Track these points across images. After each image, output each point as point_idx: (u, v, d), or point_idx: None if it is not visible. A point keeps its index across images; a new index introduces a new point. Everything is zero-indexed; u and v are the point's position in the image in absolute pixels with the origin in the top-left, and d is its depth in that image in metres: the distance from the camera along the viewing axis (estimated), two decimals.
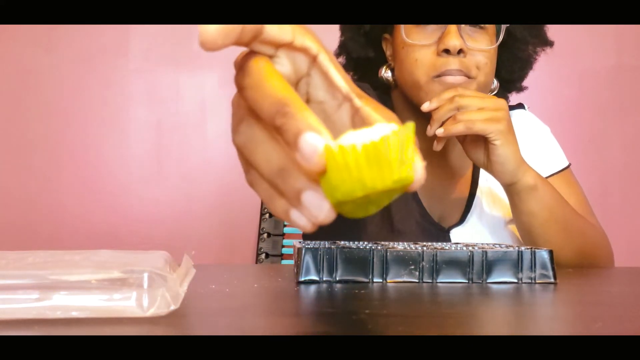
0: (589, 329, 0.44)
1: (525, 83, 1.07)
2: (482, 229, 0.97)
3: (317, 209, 0.34)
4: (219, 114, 1.52)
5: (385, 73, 0.98)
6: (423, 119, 0.91)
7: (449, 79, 0.87)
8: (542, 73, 1.54)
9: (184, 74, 1.51)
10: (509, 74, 1.01)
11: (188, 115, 1.52)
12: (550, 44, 1.02)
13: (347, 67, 1.03)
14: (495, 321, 0.49)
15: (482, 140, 0.85)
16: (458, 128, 0.82)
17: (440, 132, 0.84)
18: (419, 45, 0.89)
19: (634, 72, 1.54)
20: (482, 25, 0.90)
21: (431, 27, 0.89)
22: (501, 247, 0.68)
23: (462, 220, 0.97)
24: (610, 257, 0.97)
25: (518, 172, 0.84)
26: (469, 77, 0.88)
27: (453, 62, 0.87)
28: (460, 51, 0.87)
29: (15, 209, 1.47)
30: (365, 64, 1.00)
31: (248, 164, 0.37)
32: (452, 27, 0.87)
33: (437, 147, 0.88)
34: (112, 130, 1.49)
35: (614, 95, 1.54)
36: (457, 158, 1.02)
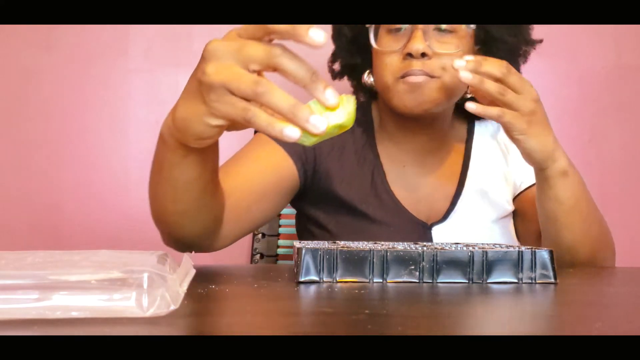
0: (589, 329, 0.44)
1: None
2: (464, 226, 0.98)
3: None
4: None
5: (368, 78, 1.01)
6: (404, 126, 0.98)
7: (412, 78, 0.89)
8: (541, 73, 1.54)
9: (184, 74, 1.50)
10: None
11: None
12: (532, 43, 1.01)
13: (343, 72, 1.07)
14: (495, 321, 0.49)
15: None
16: (492, 112, 0.80)
17: (472, 108, 0.81)
18: (389, 51, 0.92)
19: (634, 72, 1.54)
20: (453, 28, 0.92)
21: (400, 33, 0.92)
22: (501, 247, 0.68)
23: (444, 217, 0.98)
24: (614, 253, 0.97)
25: (548, 160, 0.83)
26: (431, 76, 0.89)
27: (416, 64, 0.89)
28: (424, 54, 0.89)
29: (15, 209, 1.47)
30: (354, 70, 1.04)
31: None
32: (418, 32, 0.89)
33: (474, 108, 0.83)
34: (112, 130, 1.49)
35: (614, 95, 1.54)
36: (445, 157, 1.03)
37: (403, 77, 0.90)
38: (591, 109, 1.55)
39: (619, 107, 1.55)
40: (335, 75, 1.07)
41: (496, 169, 1.02)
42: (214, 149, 0.67)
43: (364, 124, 1.03)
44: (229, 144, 1.32)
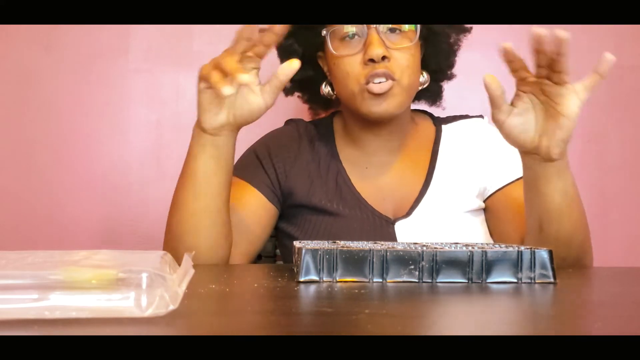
0: (589, 329, 0.44)
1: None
2: (427, 222, 0.99)
3: None
4: None
5: (326, 88, 1.05)
6: (367, 129, 1.02)
7: (376, 87, 0.93)
8: None
9: (184, 74, 1.50)
10: (436, 65, 1.06)
11: (188, 115, 1.51)
12: (468, 30, 1.05)
13: (293, 88, 1.10)
14: (494, 321, 0.49)
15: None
16: (605, 69, 0.80)
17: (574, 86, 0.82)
18: (347, 57, 0.95)
19: (634, 72, 1.54)
20: (401, 27, 0.96)
21: (355, 40, 0.96)
22: (501, 247, 0.68)
23: (408, 213, 1.00)
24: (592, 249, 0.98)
25: (567, 145, 0.82)
26: (393, 79, 0.94)
27: (378, 68, 0.93)
28: (384, 57, 0.93)
29: (15, 209, 1.47)
30: (308, 84, 1.08)
31: None
32: (374, 37, 0.93)
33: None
34: (112, 130, 1.49)
35: (614, 95, 1.54)
36: (411, 155, 1.06)
37: (367, 82, 0.94)
38: (591, 109, 1.54)
39: (618, 107, 1.55)
40: (288, 92, 1.09)
41: (463, 169, 1.04)
42: (226, 150, 0.85)
43: (325, 137, 1.08)
44: None
